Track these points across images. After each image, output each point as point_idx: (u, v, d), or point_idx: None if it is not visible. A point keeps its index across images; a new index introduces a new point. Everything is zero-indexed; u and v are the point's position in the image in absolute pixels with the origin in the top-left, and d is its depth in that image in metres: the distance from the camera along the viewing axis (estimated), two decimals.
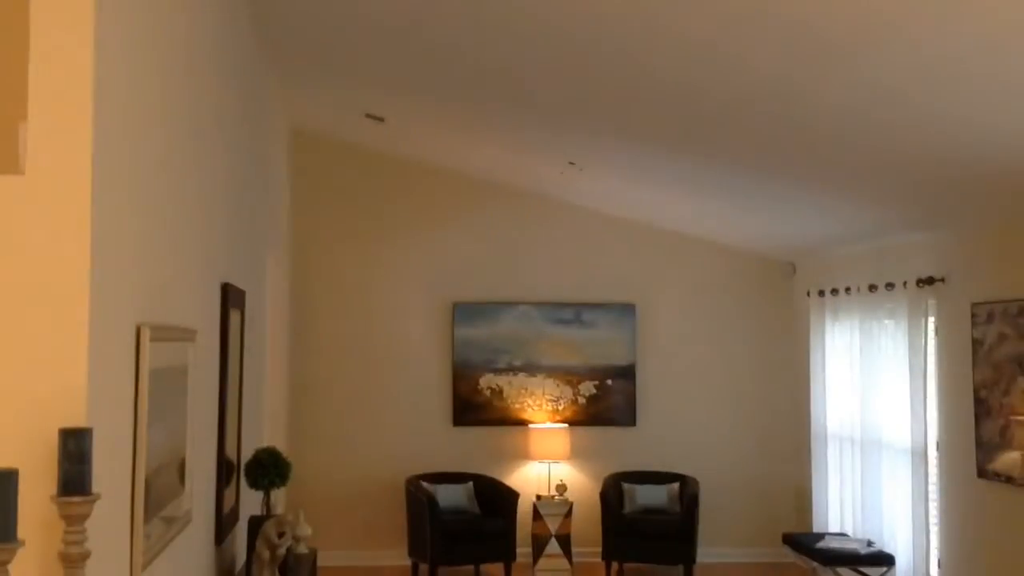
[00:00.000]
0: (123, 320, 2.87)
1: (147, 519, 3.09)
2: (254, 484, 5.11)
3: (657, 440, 9.45)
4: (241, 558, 5.29)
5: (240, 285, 5.19)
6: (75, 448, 2.37)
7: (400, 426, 9.24)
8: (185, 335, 3.73)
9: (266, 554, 4.59)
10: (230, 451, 4.89)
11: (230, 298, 4.77)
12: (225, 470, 4.74)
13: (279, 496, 6.20)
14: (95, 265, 2.54)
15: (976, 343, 6.64)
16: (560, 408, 9.41)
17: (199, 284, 4.15)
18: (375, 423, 9.22)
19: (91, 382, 2.51)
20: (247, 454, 5.31)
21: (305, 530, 5.25)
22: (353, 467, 9.15)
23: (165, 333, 3.32)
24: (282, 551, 4.62)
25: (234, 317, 4.91)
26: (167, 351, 3.36)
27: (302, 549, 5.22)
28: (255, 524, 4.87)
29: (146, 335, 3.01)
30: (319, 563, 6.77)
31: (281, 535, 4.61)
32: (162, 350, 3.26)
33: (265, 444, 5.77)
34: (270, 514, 5.03)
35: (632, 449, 9.39)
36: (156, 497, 3.25)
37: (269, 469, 5.09)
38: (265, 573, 4.59)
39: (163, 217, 3.38)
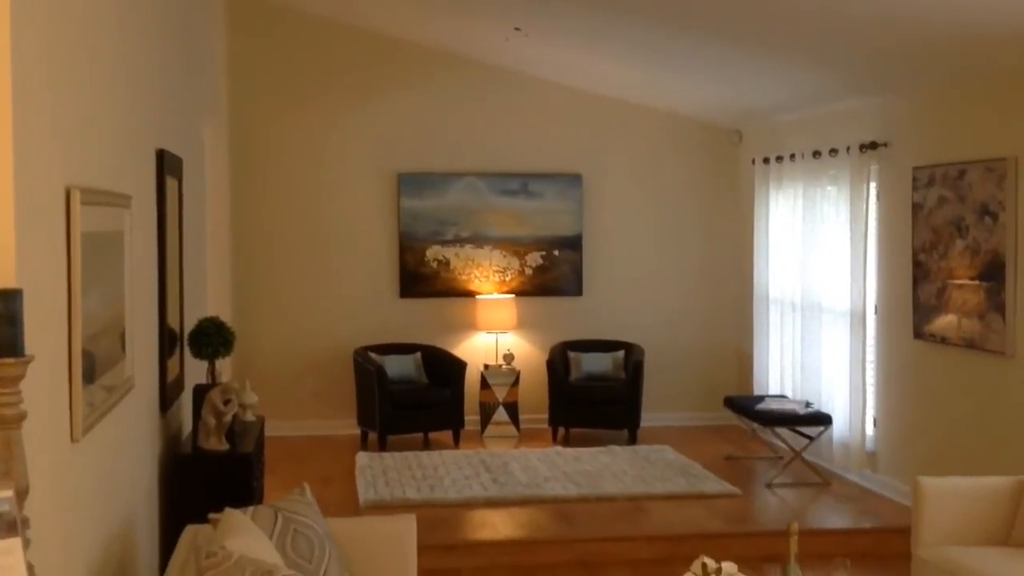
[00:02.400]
0: (51, 181, 2.79)
1: (87, 384, 3.07)
2: (198, 353, 5.10)
3: (603, 309, 9.54)
4: (187, 426, 5.31)
5: (176, 152, 5.07)
6: (5, 309, 2.31)
7: (347, 298, 9.23)
8: (119, 200, 3.65)
9: (212, 421, 4.60)
10: (172, 320, 4.86)
11: (166, 164, 4.66)
12: (168, 339, 4.71)
13: (224, 366, 6.20)
14: (17, 121, 2.44)
15: (916, 207, 6.72)
16: (507, 279, 9.44)
17: (132, 149, 4.04)
18: (321, 295, 9.19)
19: (19, 242, 2.45)
20: (190, 324, 5.28)
21: (251, 398, 5.27)
22: (300, 339, 9.15)
23: (97, 197, 3.24)
24: (228, 418, 4.64)
25: (171, 184, 4.81)
26: (100, 215, 3.29)
27: (249, 417, 5.25)
28: (200, 392, 4.88)
29: (76, 197, 2.93)
30: (268, 433, 6.83)
31: (227, 402, 4.61)
32: (94, 214, 3.18)
33: (208, 315, 5.73)
34: (215, 383, 5.03)
35: (578, 318, 9.48)
36: (95, 363, 3.22)
37: (213, 338, 5.07)
38: (212, 439, 4.61)
39: (87, 76, 3.26)
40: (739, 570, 3.61)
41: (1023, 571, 3.94)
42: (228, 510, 3.57)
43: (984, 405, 6.09)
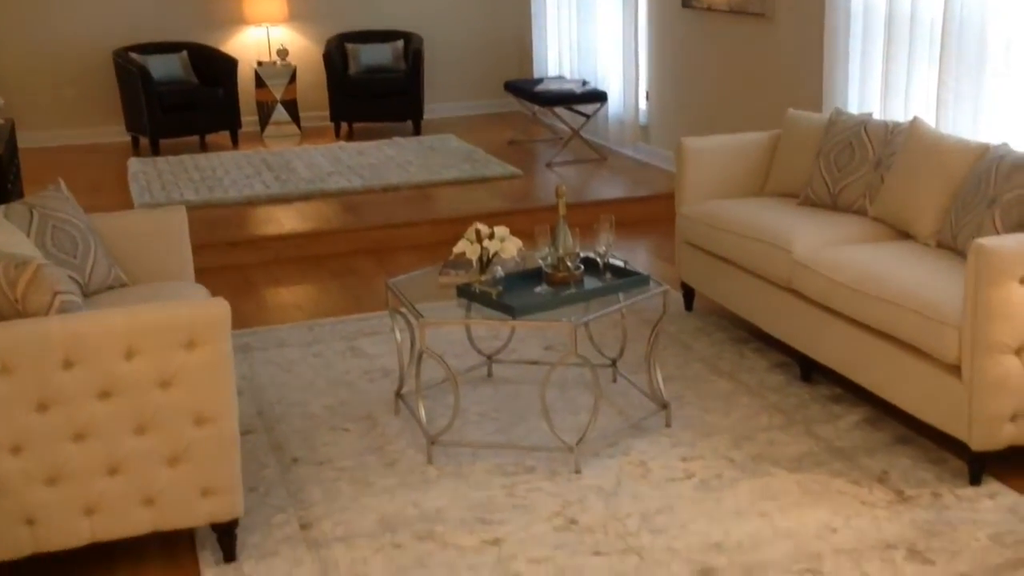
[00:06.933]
0: None
1: None
2: None
3: None
4: None
5: None
6: None
7: None
8: None
9: None
10: None
11: None
12: None
13: None
14: None
15: None
16: None
17: None
18: None
19: None
20: None
21: None
22: (50, 41, 8.43)
23: None
24: None
25: None
26: None
27: None
28: None
29: None
30: (28, 144, 6.43)
31: None
32: None
33: None
34: None
35: (353, 8, 9.10)
36: None
37: None
38: None
39: None
40: (512, 234, 3.72)
41: (770, 215, 4.22)
42: None
43: (746, 68, 6.30)
